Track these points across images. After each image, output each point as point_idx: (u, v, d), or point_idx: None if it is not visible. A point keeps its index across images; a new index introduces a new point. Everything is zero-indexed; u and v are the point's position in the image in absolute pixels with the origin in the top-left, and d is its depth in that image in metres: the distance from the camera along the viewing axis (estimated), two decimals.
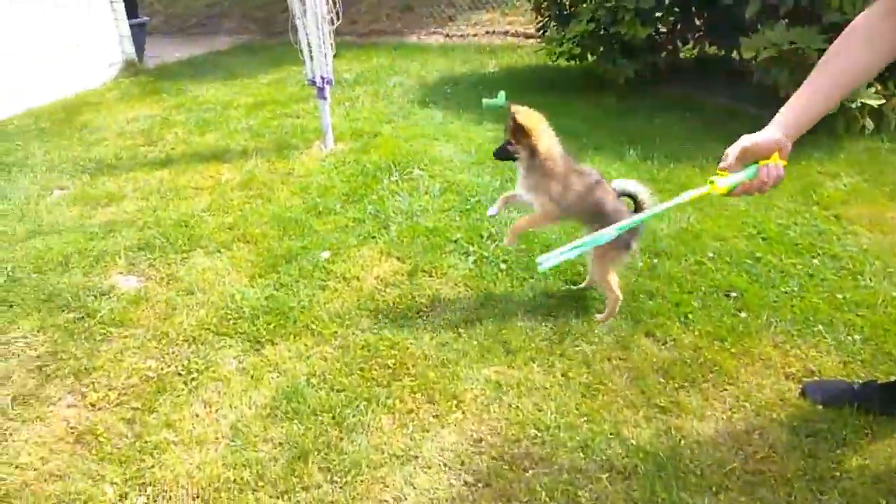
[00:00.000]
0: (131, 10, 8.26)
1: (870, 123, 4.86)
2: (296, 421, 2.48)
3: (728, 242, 3.53)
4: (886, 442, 2.25)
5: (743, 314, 2.94)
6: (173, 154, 5.27)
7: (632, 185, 2.87)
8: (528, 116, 2.67)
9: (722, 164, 1.62)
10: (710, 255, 3.41)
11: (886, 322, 2.85)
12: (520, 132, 2.67)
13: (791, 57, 4.64)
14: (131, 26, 8.20)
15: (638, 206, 2.82)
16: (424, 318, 3.08)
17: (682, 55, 6.71)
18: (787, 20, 4.78)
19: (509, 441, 2.36)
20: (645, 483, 2.15)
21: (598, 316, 2.96)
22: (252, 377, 2.72)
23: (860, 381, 2.44)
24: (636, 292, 3.14)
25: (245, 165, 4.91)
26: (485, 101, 6.19)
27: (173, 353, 2.90)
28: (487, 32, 9.21)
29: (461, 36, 9.35)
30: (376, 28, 10.07)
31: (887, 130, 4.82)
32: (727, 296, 3.08)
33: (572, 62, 6.46)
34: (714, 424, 2.37)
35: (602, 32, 5.74)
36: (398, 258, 3.58)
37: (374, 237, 3.80)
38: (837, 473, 2.14)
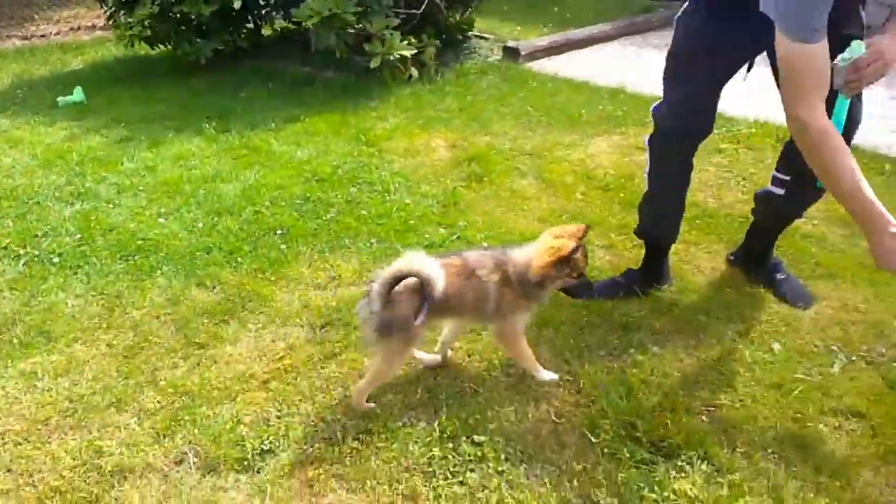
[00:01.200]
0: None
1: (415, 71, 5.82)
2: None
3: (286, 190, 3.90)
4: None
5: (284, 246, 3.31)
6: None
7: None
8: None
9: None
10: (267, 203, 3.74)
11: (397, 224, 3.51)
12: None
13: (334, 22, 5.25)
14: None
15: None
16: None
17: (264, 32, 7.04)
18: None
19: (37, 422, 2.30)
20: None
21: None
22: None
23: (620, 274, 2.90)
24: (192, 252, 3.29)
25: None
26: (60, 99, 5.68)
27: None
28: (72, 29, 8.33)
29: (42, 36, 8.28)
30: None
31: (428, 76, 5.82)
32: (275, 234, 3.43)
33: (155, 49, 6.30)
34: (246, 344, 2.65)
35: (169, 14, 5.67)
36: None
37: None
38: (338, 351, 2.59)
